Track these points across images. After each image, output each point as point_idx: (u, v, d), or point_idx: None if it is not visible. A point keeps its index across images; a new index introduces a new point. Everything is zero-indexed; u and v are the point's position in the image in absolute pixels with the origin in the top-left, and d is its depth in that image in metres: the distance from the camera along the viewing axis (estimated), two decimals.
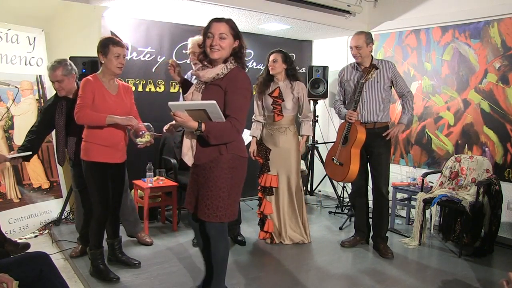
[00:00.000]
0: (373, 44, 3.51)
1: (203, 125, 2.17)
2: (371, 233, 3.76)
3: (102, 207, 2.89)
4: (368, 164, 3.62)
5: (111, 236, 3.17)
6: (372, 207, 3.70)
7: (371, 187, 3.65)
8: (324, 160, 5.20)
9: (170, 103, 2.18)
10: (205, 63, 2.33)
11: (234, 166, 2.33)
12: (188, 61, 4.83)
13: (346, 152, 3.46)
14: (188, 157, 2.34)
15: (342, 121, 3.60)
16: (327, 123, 5.59)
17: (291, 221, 3.77)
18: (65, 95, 3.10)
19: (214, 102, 2.12)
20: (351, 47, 3.51)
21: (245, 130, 3.23)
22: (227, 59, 2.31)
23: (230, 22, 2.29)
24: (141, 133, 2.79)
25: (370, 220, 3.79)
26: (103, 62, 2.84)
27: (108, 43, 2.81)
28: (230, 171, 2.31)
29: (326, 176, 5.21)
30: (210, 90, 2.30)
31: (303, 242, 3.77)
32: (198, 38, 3.30)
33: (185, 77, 3.55)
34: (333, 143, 3.71)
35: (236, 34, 2.30)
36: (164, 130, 2.58)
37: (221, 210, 2.31)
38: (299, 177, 3.77)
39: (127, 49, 4.31)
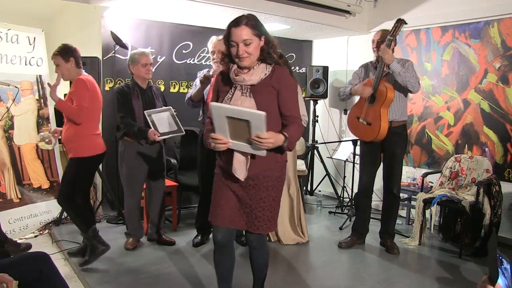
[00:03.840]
0: (396, 44, 3.48)
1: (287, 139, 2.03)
2: (369, 231, 3.79)
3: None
4: (382, 163, 3.63)
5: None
6: (378, 206, 3.71)
7: (382, 185, 3.65)
8: (322, 157, 5.23)
9: (213, 103, 1.95)
10: (235, 66, 2.11)
11: (283, 173, 2.23)
12: (188, 61, 4.84)
13: (375, 111, 3.40)
14: (241, 171, 2.08)
15: (347, 114, 3.61)
16: (327, 123, 5.59)
17: (289, 221, 3.76)
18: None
19: (264, 113, 1.89)
20: (373, 41, 3.51)
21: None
22: (260, 58, 2.12)
23: (249, 23, 2.06)
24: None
25: (371, 220, 3.82)
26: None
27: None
28: (281, 180, 2.22)
29: (326, 176, 5.22)
30: (262, 93, 2.08)
31: (301, 242, 3.78)
32: (220, 38, 3.24)
33: (201, 75, 3.55)
34: (354, 106, 3.61)
35: (260, 31, 2.08)
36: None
37: (272, 220, 2.20)
38: (296, 177, 3.78)
39: (127, 48, 4.31)
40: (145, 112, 3.32)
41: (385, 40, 3.40)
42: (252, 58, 2.06)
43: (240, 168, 2.07)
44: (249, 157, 2.06)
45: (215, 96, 2.23)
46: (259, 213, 2.14)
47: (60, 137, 3.26)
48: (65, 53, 3.02)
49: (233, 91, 2.10)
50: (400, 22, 3.32)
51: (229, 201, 2.18)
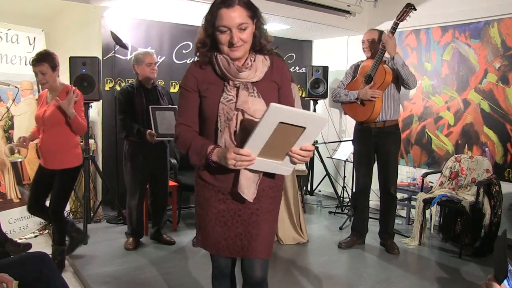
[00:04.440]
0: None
1: None
2: (369, 231, 3.79)
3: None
4: (376, 163, 3.63)
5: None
6: (378, 205, 3.71)
7: (378, 186, 3.66)
8: (322, 157, 5.23)
9: (275, 104, 1.40)
10: (227, 58, 1.64)
11: (283, 180, 1.86)
12: (188, 61, 4.83)
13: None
14: (250, 191, 1.65)
15: (345, 115, 3.61)
16: (327, 123, 5.58)
17: (289, 220, 3.76)
18: None
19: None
20: (363, 41, 3.53)
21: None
22: (254, 49, 1.73)
23: (242, 2, 1.60)
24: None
25: (369, 220, 3.82)
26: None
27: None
28: (282, 189, 1.86)
29: (326, 176, 5.22)
30: (267, 90, 1.69)
31: (301, 241, 3.78)
32: None
33: None
34: (349, 85, 3.58)
35: (254, 13, 1.63)
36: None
37: (271, 242, 1.81)
38: (293, 177, 3.78)
39: (127, 48, 4.31)
40: (150, 106, 3.34)
41: (376, 39, 3.42)
42: (246, 47, 1.65)
43: (249, 186, 1.64)
44: (261, 173, 1.66)
45: (195, 95, 1.71)
46: (258, 231, 1.73)
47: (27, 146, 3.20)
48: (53, 61, 2.94)
49: (235, 91, 1.64)
50: (409, 7, 3.31)
51: (221, 224, 1.74)
